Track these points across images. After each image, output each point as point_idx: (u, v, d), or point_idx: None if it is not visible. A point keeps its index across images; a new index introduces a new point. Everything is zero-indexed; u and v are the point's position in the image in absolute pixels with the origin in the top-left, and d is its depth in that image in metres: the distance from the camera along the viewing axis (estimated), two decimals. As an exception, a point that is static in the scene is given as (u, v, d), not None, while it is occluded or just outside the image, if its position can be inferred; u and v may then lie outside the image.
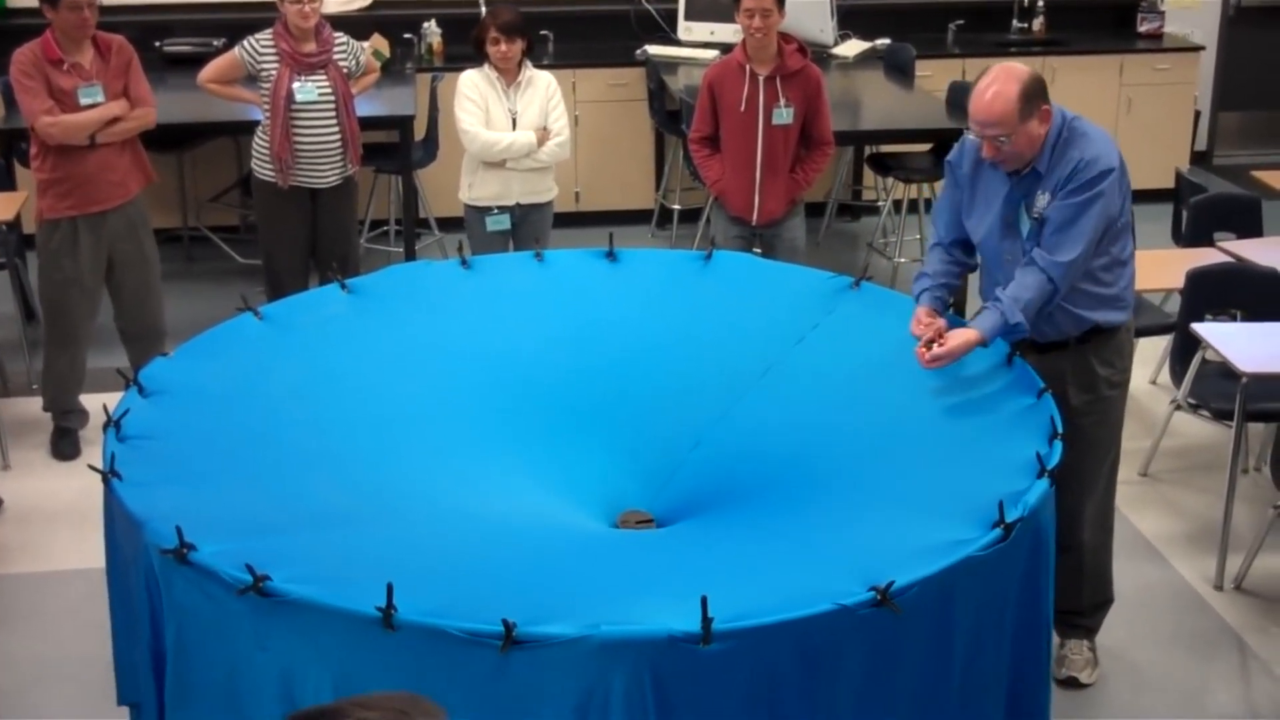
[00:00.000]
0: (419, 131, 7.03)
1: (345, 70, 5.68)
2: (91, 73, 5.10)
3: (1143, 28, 8.50)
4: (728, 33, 7.51)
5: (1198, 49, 8.44)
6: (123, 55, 5.21)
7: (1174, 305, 5.31)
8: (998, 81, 3.50)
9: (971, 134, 3.59)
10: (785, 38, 5.31)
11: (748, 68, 5.27)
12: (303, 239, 5.80)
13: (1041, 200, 3.59)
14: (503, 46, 5.44)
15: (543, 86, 5.59)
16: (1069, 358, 3.75)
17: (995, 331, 3.53)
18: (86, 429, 5.47)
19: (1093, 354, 3.76)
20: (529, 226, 5.64)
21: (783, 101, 5.29)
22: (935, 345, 3.50)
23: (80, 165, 5.13)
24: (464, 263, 4.16)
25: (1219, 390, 4.81)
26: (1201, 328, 4.70)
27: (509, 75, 5.53)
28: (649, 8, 8.15)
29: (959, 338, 3.52)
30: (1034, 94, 3.51)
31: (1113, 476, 3.94)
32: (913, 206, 7.40)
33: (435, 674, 2.59)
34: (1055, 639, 3.85)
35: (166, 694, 2.92)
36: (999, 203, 3.69)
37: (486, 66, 5.55)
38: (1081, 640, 4.05)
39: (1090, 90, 8.03)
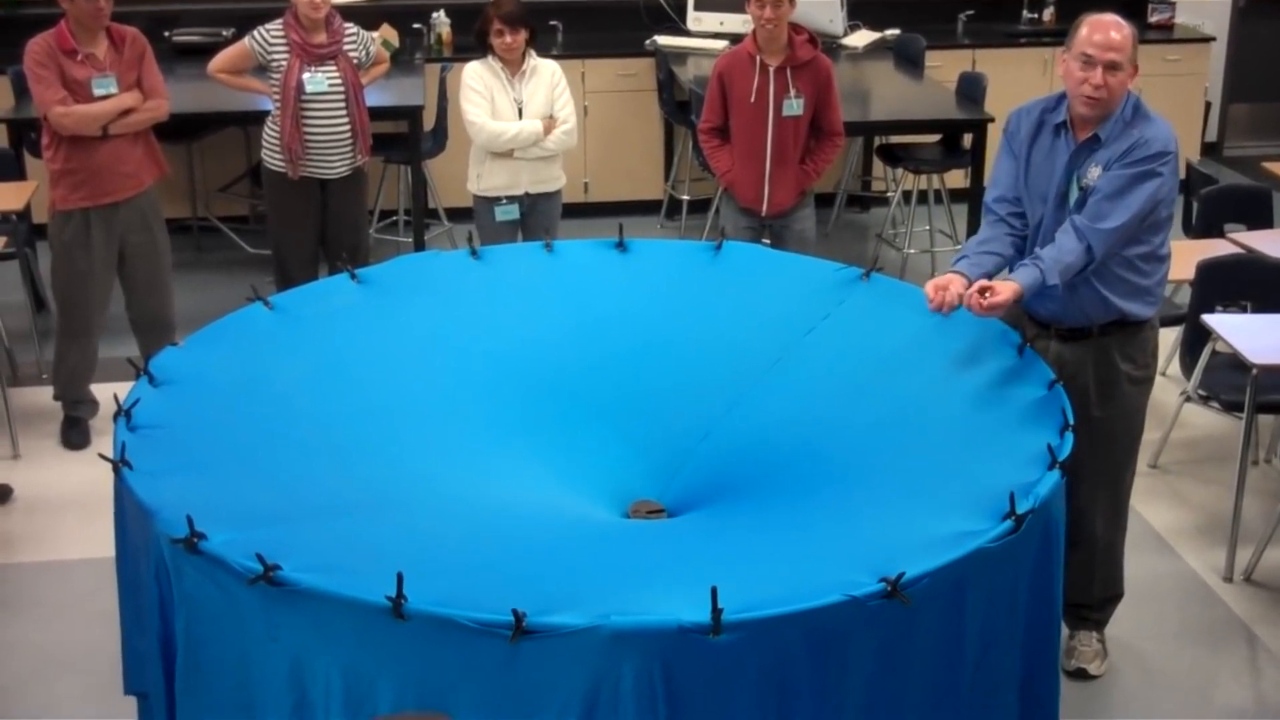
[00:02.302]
0: (428, 122, 7.03)
1: (355, 61, 5.68)
2: (105, 64, 5.11)
3: (1153, 18, 8.48)
4: (737, 23, 7.51)
5: (1208, 40, 8.42)
6: (136, 47, 5.22)
7: (1184, 297, 5.30)
8: (1115, 20, 3.63)
9: (1079, 63, 3.59)
10: (795, 28, 5.31)
11: (758, 58, 5.27)
12: (312, 229, 5.81)
13: (1094, 172, 3.60)
14: (507, 37, 5.43)
15: (547, 75, 5.59)
16: (1091, 349, 3.74)
17: (1033, 289, 3.53)
18: (96, 418, 5.48)
19: (1115, 348, 3.75)
20: (538, 216, 5.64)
21: (793, 92, 5.29)
22: (988, 294, 3.48)
23: (93, 156, 5.13)
24: (473, 253, 4.16)
25: (1229, 382, 4.80)
26: (1212, 319, 4.69)
27: (513, 66, 5.53)
28: (658, -2, 8.15)
29: (1008, 289, 3.51)
30: (1138, 43, 3.63)
31: (1129, 473, 3.93)
32: (922, 198, 7.39)
33: (445, 664, 2.60)
34: (1064, 630, 3.86)
35: (176, 683, 2.93)
36: (1059, 170, 3.68)
37: (490, 58, 5.54)
38: (1091, 632, 4.04)
39: (1101, 81, 7.99)
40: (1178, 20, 8.50)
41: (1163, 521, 4.89)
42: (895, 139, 7.47)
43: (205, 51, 6.31)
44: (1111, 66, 3.57)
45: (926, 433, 3.37)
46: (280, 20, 5.58)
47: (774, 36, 5.24)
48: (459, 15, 7.73)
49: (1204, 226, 5.81)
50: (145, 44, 5.27)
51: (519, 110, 5.53)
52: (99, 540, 4.12)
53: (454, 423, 3.58)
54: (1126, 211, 3.55)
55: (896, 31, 8.06)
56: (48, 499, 5.02)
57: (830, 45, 7.64)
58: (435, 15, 7.86)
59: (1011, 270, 3.65)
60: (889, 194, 7.91)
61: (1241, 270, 5.08)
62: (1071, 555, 3.34)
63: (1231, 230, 5.63)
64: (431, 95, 7.12)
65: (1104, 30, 3.59)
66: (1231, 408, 4.84)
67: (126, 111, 5.15)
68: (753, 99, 5.29)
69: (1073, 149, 3.67)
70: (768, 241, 5.36)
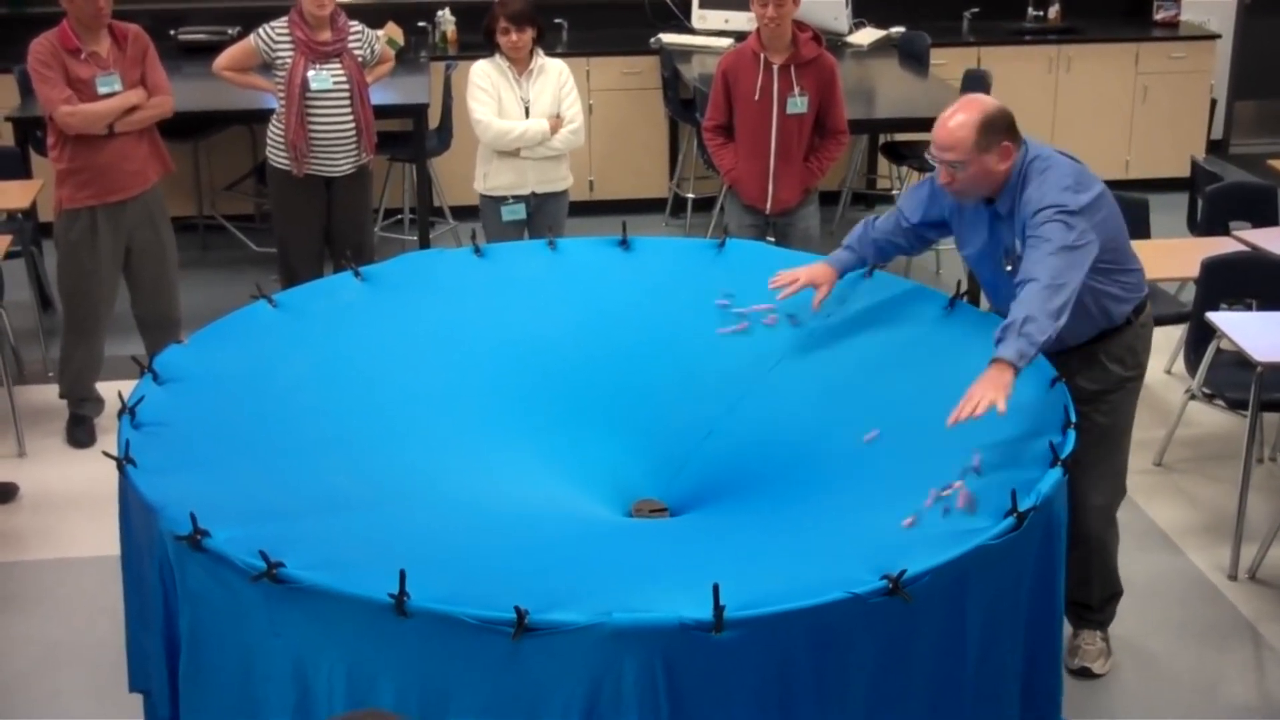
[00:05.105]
0: (433, 120, 7.04)
1: (360, 59, 5.68)
2: (109, 62, 5.11)
3: (1159, 16, 8.46)
4: (742, 21, 7.50)
5: (1214, 37, 8.40)
6: (139, 44, 5.23)
7: (1189, 294, 5.30)
8: (962, 109, 3.51)
9: (930, 159, 3.58)
10: (799, 26, 5.30)
11: (762, 56, 5.27)
12: (317, 227, 5.81)
13: (1018, 245, 3.54)
14: (513, 36, 5.43)
15: (555, 74, 5.59)
16: (1076, 354, 3.71)
17: (1013, 347, 3.24)
18: (102, 416, 5.49)
19: (1101, 351, 3.73)
20: (544, 216, 5.63)
21: (797, 90, 5.28)
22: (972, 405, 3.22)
23: (99, 155, 5.14)
24: (477, 251, 4.17)
25: (1234, 380, 4.79)
26: (1217, 317, 4.69)
27: (520, 64, 5.53)
28: (663, -4, 8.15)
29: (982, 379, 3.25)
30: (996, 127, 3.48)
31: (1120, 472, 3.92)
32: (927, 195, 7.37)
33: (447, 661, 2.60)
34: (1068, 628, 3.86)
35: (180, 680, 2.94)
36: (984, 238, 3.68)
37: (498, 56, 5.54)
38: (1094, 631, 4.04)
39: (1106, 79, 8.01)
40: (1183, 18, 8.49)
41: (1167, 520, 4.88)
42: (900, 136, 7.46)
43: (211, 50, 6.32)
44: (951, 165, 3.50)
45: (929, 430, 3.37)
46: (285, 18, 5.59)
47: (778, 34, 5.23)
48: (464, 13, 7.73)
49: (1209, 224, 5.80)
50: (148, 41, 5.27)
51: (525, 109, 5.52)
52: (104, 538, 4.13)
53: (457, 420, 3.59)
54: (1049, 245, 3.35)
55: (901, 29, 8.06)
56: (53, 497, 5.03)
57: (835, 43, 7.64)
58: (440, 13, 7.86)
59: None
60: (894, 192, 7.90)
61: (1247, 268, 5.07)
62: (1070, 554, 3.33)
63: (1237, 228, 5.62)
64: (436, 93, 7.12)
65: (939, 128, 3.51)
66: (1236, 405, 4.84)
67: (132, 109, 5.16)
68: (757, 97, 5.29)
69: (990, 216, 3.64)
70: (772, 239, 5.37)
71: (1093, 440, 3.68)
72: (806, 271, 3.86)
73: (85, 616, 4.29)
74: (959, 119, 3.48)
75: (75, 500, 4.98)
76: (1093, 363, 3.73)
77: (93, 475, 4.97)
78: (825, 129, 5.43)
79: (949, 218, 3.80)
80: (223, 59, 5.74)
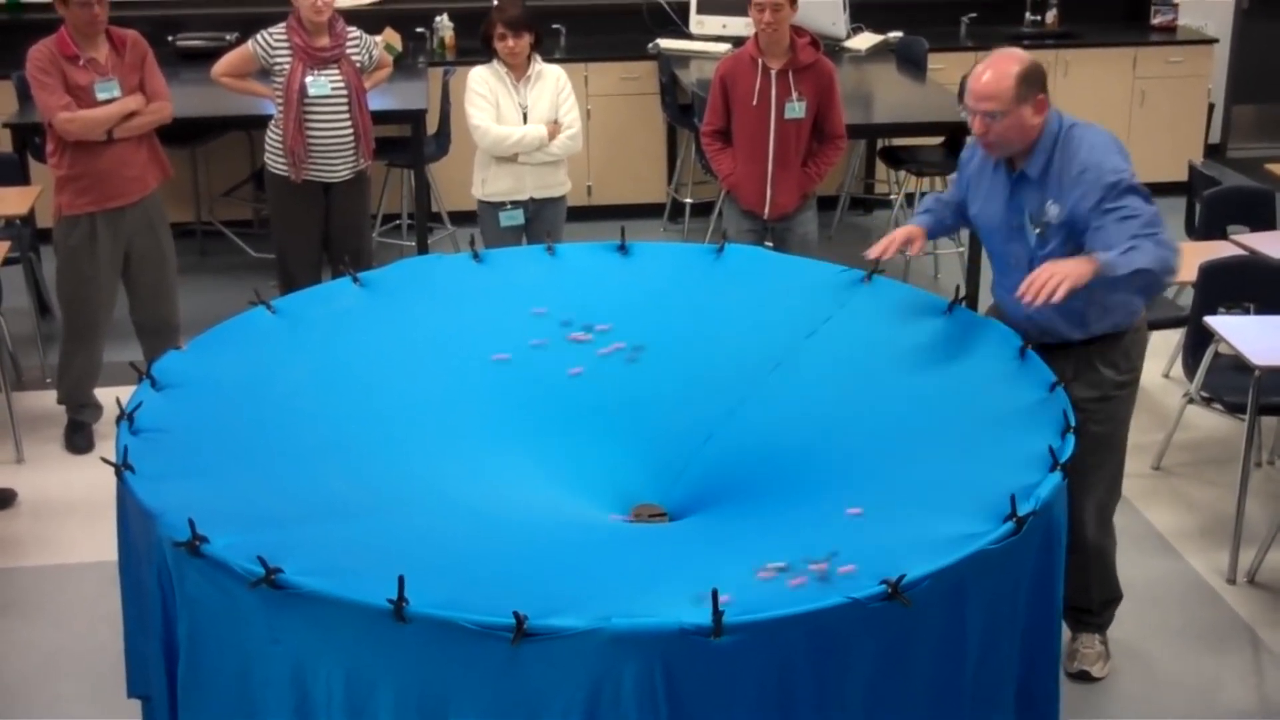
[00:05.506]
0: (431, 125, 7.04)
1: (358, 64, 5.69)
2: (107, 68, 5.12)
3: (1156, 20, 8.48)
4: (740, 26, 7.51)
5: (1211, 41, 8.42)
6: (138, 50, 5.24)
7: (1187, 298, 5.30)
8: (999, 59, 3.57)
9: (963, 112, 3.62)
10: (797, 31, 5.31)
11: (760, 61, 5.27)
12: (315, 233, 5.82)
13: (1051, 210, 3.57)
14: (510, 42, 5.44)
15: (552, 80, 5.60)
16: (1072, 358, 3.72)
17: (1109, 256, 3.35)
18: (100, 422, 5.49)
19: (1097, 356, 3.74)
20: (542, 221, 5.64)
21: (795, 95, 5.29)
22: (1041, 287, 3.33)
23: (98, 161, 5.15)
24: (475, 256, 4.17)
25: (1232, 383, 4.80)
26: (1214, 321, 4.69)
27: (518, 70, 5.53)
28: (661, 1, 8.15)
29: (1065, 262, 3.38)
30: (1033, 79, 3.56)
31: (1117, 477, 3.92)
32: (925, 200, 7.38)
33: (447, 666, 2.60)
34: (1066, 632, 3.86)
35: (179, 686, 2.94)
36: (1000, 205, 3.71)
37: (495, 62, 5.55)
38: (1093, 634, 4.04)
39: (1103, 83, 8.01)
40: (1181, 22, 8.50)
41: (1166, 523, 4.88)
42: (898, 141, 7.47)
43: (209, 56, 6.32)
44: (989, 115, 3.54)
45: (928, 435, 3.37)
46: (283, 24, 5.60)
47: (775, 39, 5.24)
48: (462, 19, 7.74)
49: (1207, 228, 5.81)
50: (146, 47, 5.28)
51: (524, 115, 5.53)
52: (102, 544, 4.13)
53: (456, 425, 3.58)
54: (1135, 213, 3.45)
55: (899, 34, 8.07)
56: (52, 503, 5.03)
57: (833, 48, 7.65)
58: (438, 19, 7.87)
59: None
60: (892, 196, 7.91)
61: (1244, 272, 5.08)
62: (1069, 559, 3.34)
63: (1234, 232, 5.63)
64: (434, 99, 7.13)
65: (975, 80, 3.57)
66: (1234, 409, 4.84)
67: (131, 115, 5.16)
68: (755, 102, 5.29)
69: (1011, 182, 3.68)
70: (770, 244, 5.37)
71: (1089, 447, 3.68)
72: (902, 232, 3.89)
73: (84, 622, 4.29)
74: (999, 69, 3.54)
75: (74, 506, 4.98)
76: (1088, 368, 3.74)
77: (91, 481, 4.97)
78: (823, 134, 5.44)
79: (966, 191, 3.84)
80: (220, 65, 5.75)
